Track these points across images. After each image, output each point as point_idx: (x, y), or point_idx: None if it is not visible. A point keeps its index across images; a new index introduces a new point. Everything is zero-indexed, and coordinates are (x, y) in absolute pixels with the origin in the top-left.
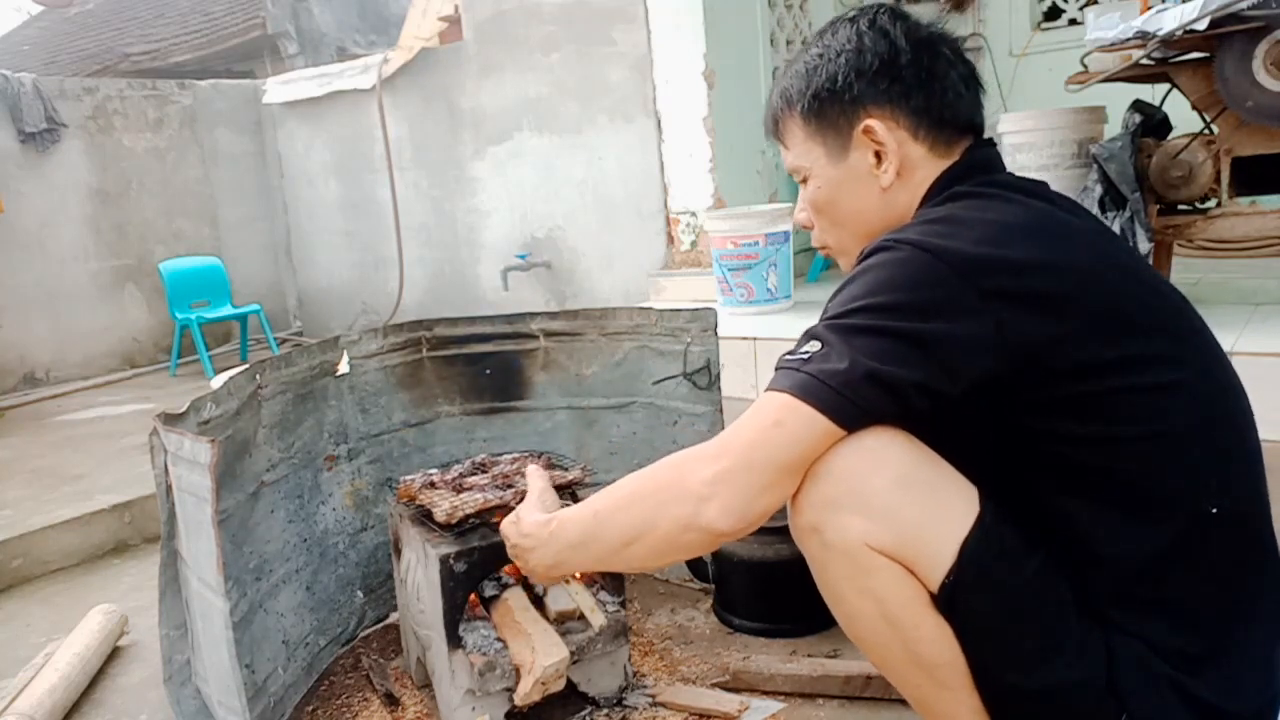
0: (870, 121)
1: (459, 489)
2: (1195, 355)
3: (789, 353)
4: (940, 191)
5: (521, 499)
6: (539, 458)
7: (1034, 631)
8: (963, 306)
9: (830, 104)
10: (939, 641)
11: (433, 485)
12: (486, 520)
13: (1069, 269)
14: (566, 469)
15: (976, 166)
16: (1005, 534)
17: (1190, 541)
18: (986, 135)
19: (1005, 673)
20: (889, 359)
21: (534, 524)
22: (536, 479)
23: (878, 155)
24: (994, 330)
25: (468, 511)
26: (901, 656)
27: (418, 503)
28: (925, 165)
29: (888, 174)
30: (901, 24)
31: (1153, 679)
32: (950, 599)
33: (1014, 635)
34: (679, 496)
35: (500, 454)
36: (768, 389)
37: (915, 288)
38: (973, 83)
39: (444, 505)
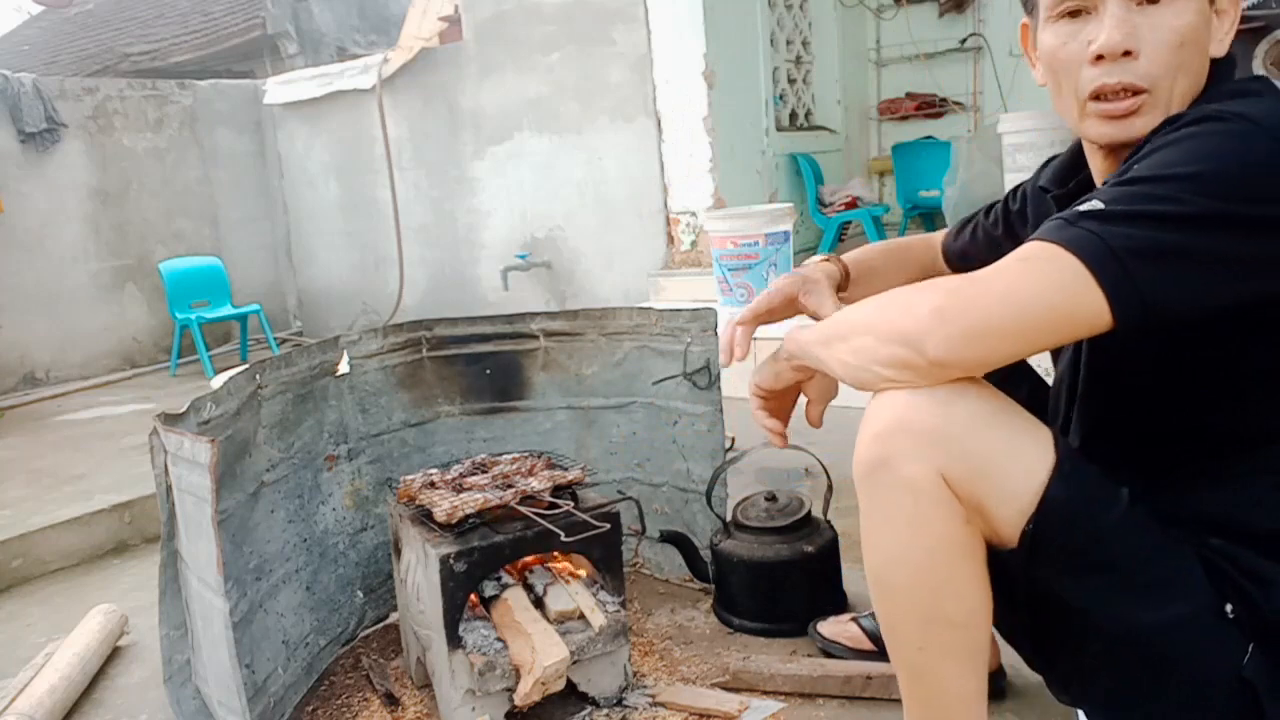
0: None
1: (459, 489)
2: None
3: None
4: (1216, 81)
5: (521, 499)
6: (539, 458)
7: (1129, 570)
8: None
9: None
10: (970, 599)
11: (433, 485)
12: (486, 520)
13: None
14: (566, 469)
15: (1228, 62)
16: (1086, 476)
17: None
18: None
19: (1126, 613)
20: (1200, 238)
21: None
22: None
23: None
24: None
25: (468, 511)
26: (923, 612)
27: (418, 503)
28: None
29: (1229, 37)
30: None
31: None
32: (1033, 545)
33: (1111, 577)
34: (908, 323)
35: (500, 454)
36: (1034, 238)
37: (1249, 165)
38: None
39: (444, 505)
